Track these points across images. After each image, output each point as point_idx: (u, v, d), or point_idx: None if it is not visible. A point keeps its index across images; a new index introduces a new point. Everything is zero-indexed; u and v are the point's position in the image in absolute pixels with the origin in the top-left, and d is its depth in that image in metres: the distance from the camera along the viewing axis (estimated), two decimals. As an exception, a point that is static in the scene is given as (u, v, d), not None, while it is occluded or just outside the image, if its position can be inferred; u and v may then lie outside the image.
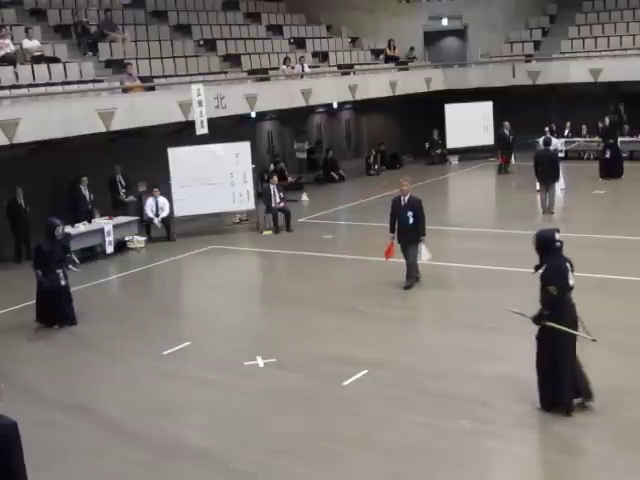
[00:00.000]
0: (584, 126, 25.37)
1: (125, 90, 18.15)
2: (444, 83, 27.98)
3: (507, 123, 25.10)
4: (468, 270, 13.66)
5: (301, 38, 26.82)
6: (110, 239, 16.39)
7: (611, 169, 21.96)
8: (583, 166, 22.60)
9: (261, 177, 21.39)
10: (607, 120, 22.97)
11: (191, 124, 17.59)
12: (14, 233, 16.39)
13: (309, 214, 19.87)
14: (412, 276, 12.72)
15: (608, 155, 22.05)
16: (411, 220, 12.50)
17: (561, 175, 19.34)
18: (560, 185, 19.52)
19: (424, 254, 12.64)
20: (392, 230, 12.75)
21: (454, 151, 27.25)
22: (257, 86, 21.25)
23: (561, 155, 21.28)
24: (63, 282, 11.71)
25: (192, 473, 7.36)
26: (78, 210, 17.01)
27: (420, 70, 28.15)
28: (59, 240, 11.88)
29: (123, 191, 18.55)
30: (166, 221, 17.85)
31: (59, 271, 11.69)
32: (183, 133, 18.74)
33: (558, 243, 7.91)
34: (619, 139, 24.77)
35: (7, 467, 5.29)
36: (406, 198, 12.68)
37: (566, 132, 26.09)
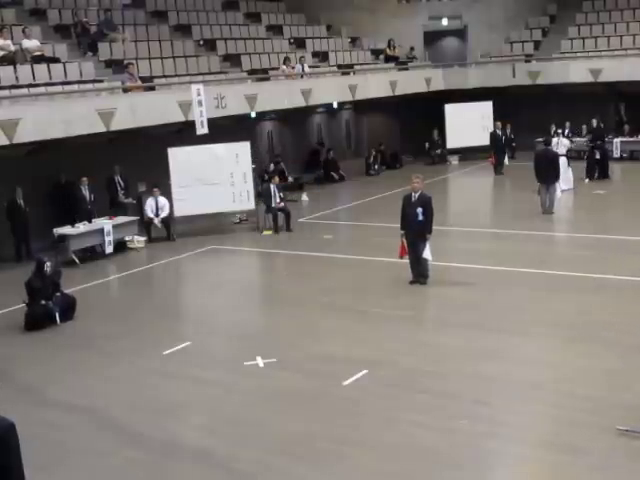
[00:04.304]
0: (584, 126, 25.37)
1: (125, 90, 18.15)
2: (444, 83, 28.01)
3: (498, 123, 25.14)
4: (468, 270, 13.66)
5: (301, 38, 26.83)
6: (110, 239, 16.39)
7: (600, 170, 21.98)
8: (583, 166, 22.54)
9: (261, 177, 21.39)
10: (594, 122, 22.95)
11: (191, 124, 17.58)
12: (14, 233, 16.39)
13: (309, 214, 19.88)
14: (427, 271, 12.72)
15: (598, 156, 22.07)
16: (420, 217, 12.50)
17: (565, 176, 19.46)
18: (561, 186, 19.59)
19: (426, 253, 12.60)
20: (403, 227, 12.75)
21: (454, 151, 27.27)
22: (257, 86, 21.26)
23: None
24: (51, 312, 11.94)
25: (192, 473, 7.36)
26: (78, 210, 17.01)
27: (420, 70, 28.17)
28: (49, 276, 12.08)
29: (122, 192, 18.55)
30: (166, 221, 17.85)
31: (46, 302, 11.92)
32: (183, 133, 18.74)
33: None
34: (618, 139, 24.91)
35: (5, 468, 5.31)
36: (417, 195, 12.68)
37: (566, 132, 26.07)
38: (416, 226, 12.53)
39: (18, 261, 15.99)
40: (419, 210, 12.51)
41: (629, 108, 25.63)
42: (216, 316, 12.23)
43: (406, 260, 12.85)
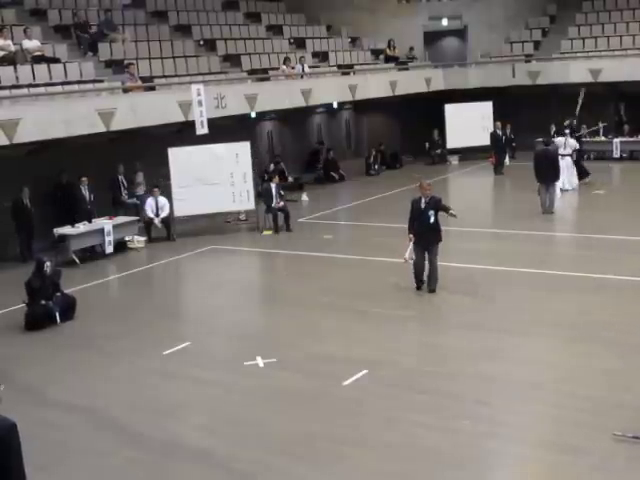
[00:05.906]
0: (584, 126, 25.35)
1: (125, 90, 18.16)
2: (444, 83, 28.01)
3: (499, 123, 25.16)
4: (468, 270, 13.66)
5: (301, 38, 26.82)
6: (110, 239, 16.38)
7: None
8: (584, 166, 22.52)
9: (261, 177, 21.39)
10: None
11: (191, 124, 17.59)
12: (19, 233, 16.34)
13: (309, 214, 19.87)
14: (436, 278, 12.46)
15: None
16: (432, 219, 12.27)
17: (563, 175, 19.46)
18: (566, 186, 19.62)
19: (408, 253, 12.52)
20: (411, 230, 12.46)
21: (454, 151, 27.27)
22: (257, 86, 21.26)
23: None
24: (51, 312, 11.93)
25: (192, 473, 7.36)
26: (77, 210, 17.00)
27: (420, 70, 28.16)
28: (49, 276, 12.07)
29: (125, 192, 18.55)
30: (166, 221, 17.85)
31: (46, 302, 11.90)
32: (183, 133, 18.74)
33: None
34: (618, 139, 24.92)
35: (6, 468, 5.30)
36: (427, 199, 12.41)
37: (567, 131, 26.01)
38: (429, 230, 12.27)
39: (24, 261, 15.75)
40: (431, 212, 12.27)
41: (629, 108, 25.62)
42: (216, 316, 12.23)
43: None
